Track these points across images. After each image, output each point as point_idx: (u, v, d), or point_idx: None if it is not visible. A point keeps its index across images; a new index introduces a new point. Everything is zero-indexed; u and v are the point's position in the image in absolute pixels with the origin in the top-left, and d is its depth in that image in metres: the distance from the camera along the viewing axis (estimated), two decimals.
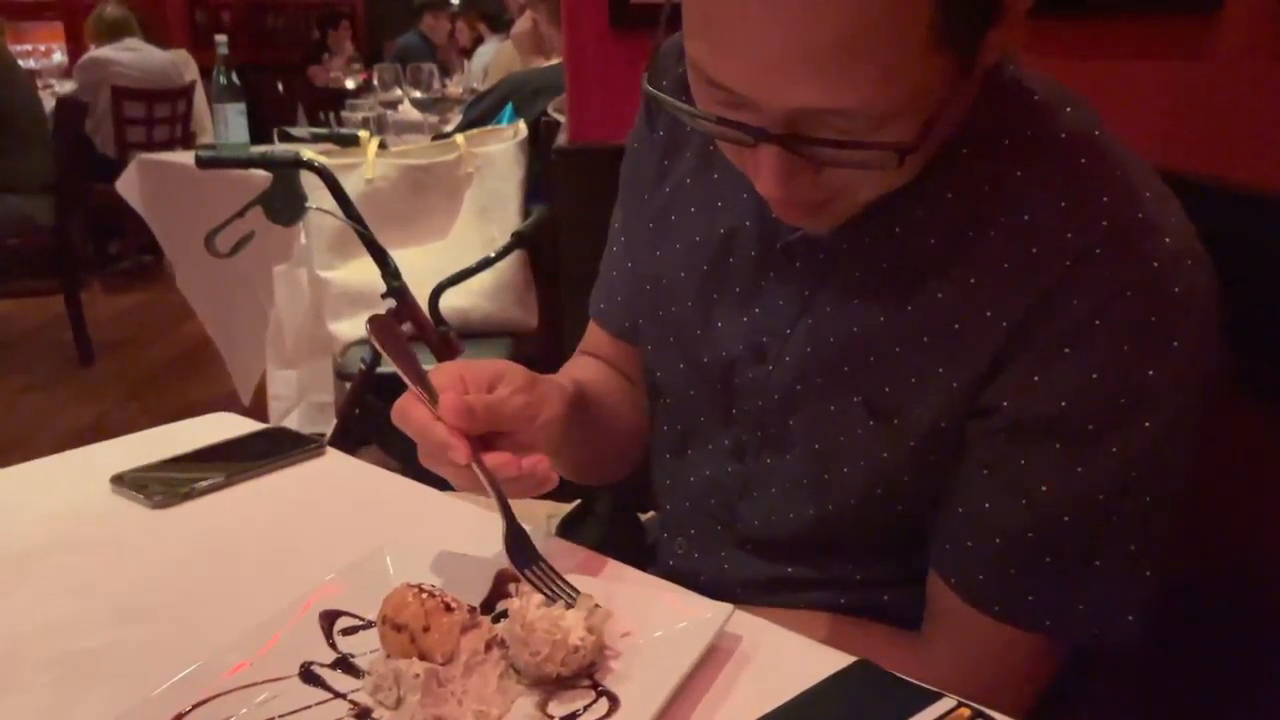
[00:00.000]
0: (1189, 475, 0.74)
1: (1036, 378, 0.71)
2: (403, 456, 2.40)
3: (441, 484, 0.95)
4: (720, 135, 0.70)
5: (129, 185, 3.23)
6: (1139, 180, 0.72)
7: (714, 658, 0.66)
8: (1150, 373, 0.69)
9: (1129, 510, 0.72)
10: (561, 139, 1.99)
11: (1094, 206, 0.70)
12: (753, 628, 0.70)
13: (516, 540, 0.72)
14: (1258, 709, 0.95)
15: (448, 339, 2.24)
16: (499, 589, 0.72)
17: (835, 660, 0.66)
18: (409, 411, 0.73)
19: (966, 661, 0.78)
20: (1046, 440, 0.72)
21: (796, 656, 0.67)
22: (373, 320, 0.76)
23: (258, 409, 2.89)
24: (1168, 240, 0.69)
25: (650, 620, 0.68)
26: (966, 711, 0.59)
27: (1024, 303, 0.71)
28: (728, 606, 0.68)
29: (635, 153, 0.97)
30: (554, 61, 2.83)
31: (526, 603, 0.63)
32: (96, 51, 5.52)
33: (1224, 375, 0.73)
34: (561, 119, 2.19)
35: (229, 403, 3.17)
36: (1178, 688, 1.03)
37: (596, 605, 0.65)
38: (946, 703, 0.60)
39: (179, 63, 5.71)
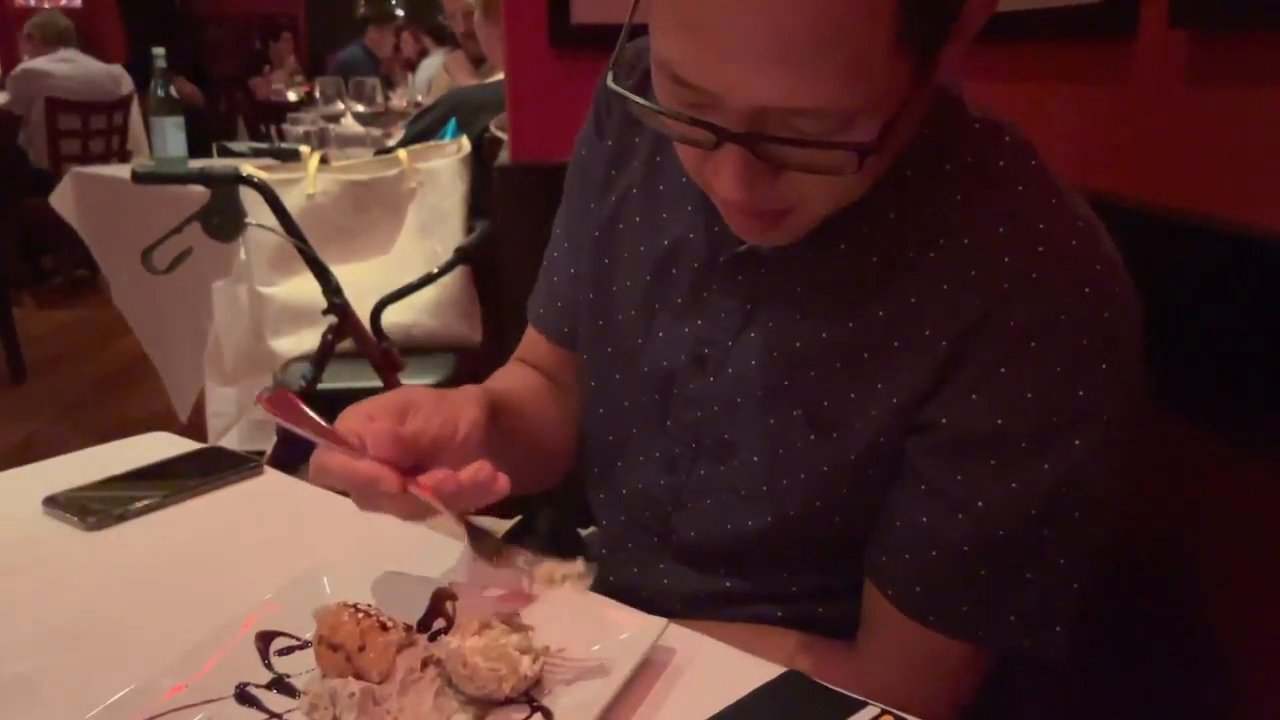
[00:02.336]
0: (1120, 492, 0.76)
1: (974, 396, 0.74)
2: None
3: None
4: (683, 135, 0.70)
5: (63, 199, 3.17)
6: (1072, 209, 0.75)
7: (648, 671, 0.68)
8: (1081, 393, 0.72)
9: (1060, 525, 0.75)
10: (503, 157, 2.00)
11: (1030, 233, 0.73)
12: (687, 641, 0.71)
13: (479, 540, 0.72)
14: (1177, 712, 0.99)
15: (390, 355, 2.24)
16: (436, 607, 0.73)
17: (767, 672, 0.67)
18: (328, 463, 0.71)
19: (899, 670, 0.80)
20: (983, 457, 0.74)
21: (729, 669, 0.69)
22: (263, 398, 0.74)
23: (196, 427, 2.85)
24: (1099, 267, 0.72)
25: (586, 635, 0.69)
26: (889, 718, 0.61)
27: (962, 323, 0.73)
28: (662, 620, 0.70)
29: (583, 159, 0.97)
30: (497, 77, 2.84)
31: (462, 643, 0.64)
32: (30, 63, 5.41)
33: (1145, 389, 0.76)
34: (503, 136, 2.20)
35: (165, 421, 3.12)
36: (1099, 693, 1.06)
37: (531, 629, 0.66)
38: (870, 710, 0.62)
39: (115, 75, 5.62)
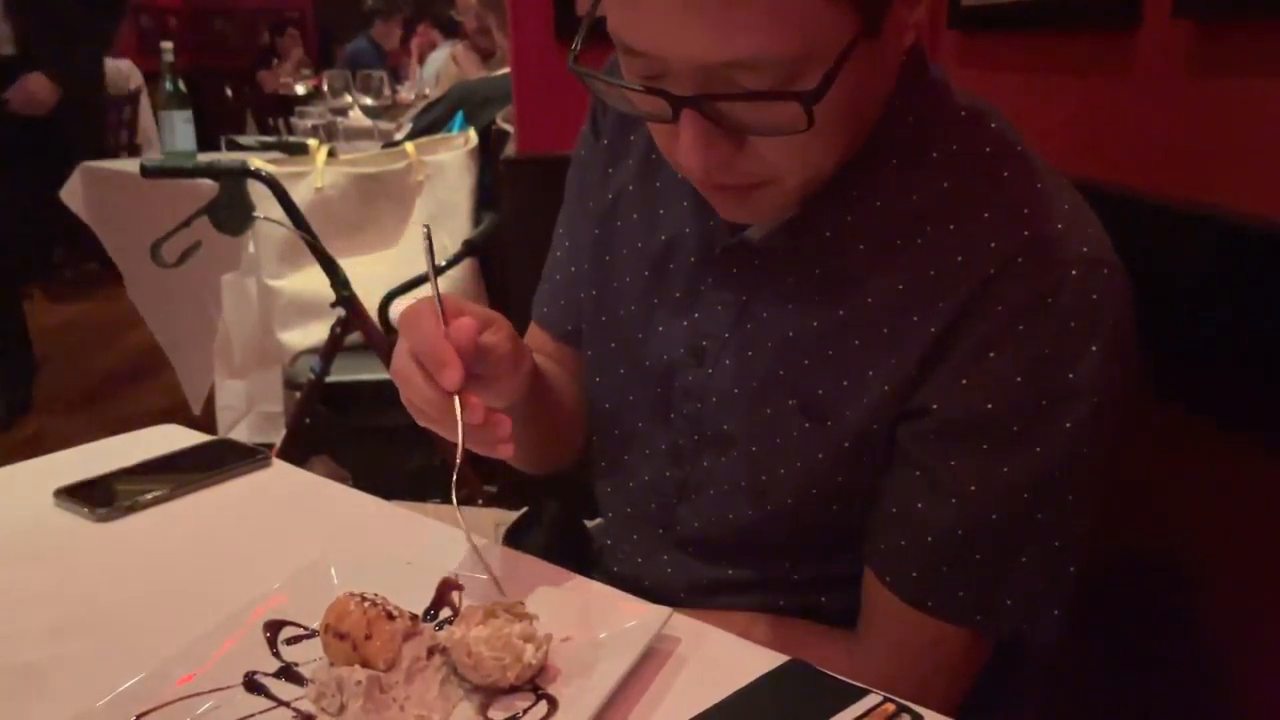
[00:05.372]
0: (1108, 474, 0.77)
1: (964, 381, 0.74)
2: (352, 466, 2.41)
3: (386, 494, 0.97)
4: (646, 112, 0.71)
5: (73, 194, 3.18)
6: (1058, 193, 0.75)
7: (652, 659, 0.68)
8: (1070, 375, 0.72)
9: (1052, 507, 0.76)
10: (510, 149, 2.01)
11: (1015, 218, 0.73)
12: (690, 630, 0.72)
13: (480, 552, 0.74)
14: (1170, 699, 0.99)
15: None
16: (441, 597, 0.73)
17: (770, 660, 0.68)
18: (421, 319, 0.72)
19: (899, 657, 0.81)
20: (974, 441, 0.75)
21: (732, 657, 0.70)
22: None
23: (206, 420, 2.86)
24: (1085, 249, 0.72)
25: (590, 624, 0.70)
26: (891, 707, 0.62)
27: (950, 309, 0.74)
28: (665, 610, 0.70)
29: (581, 160, 0.99)
30: (504, 70, 2.84)
31: (466, 632, 0.65)
32: None
33: (1139, 377, 0.76)
34: (510, 129, 2.20)
35: (175, 413, 3.14)
36: (1095, 680, 1.07)
37: (535, 618, 0.67)
38: (873, 698, 0.62)
39: (124, 69, 5.63)
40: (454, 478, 0.71)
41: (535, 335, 1.05)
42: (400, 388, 0.75)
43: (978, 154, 0.76)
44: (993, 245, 0.73)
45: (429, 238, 0.76)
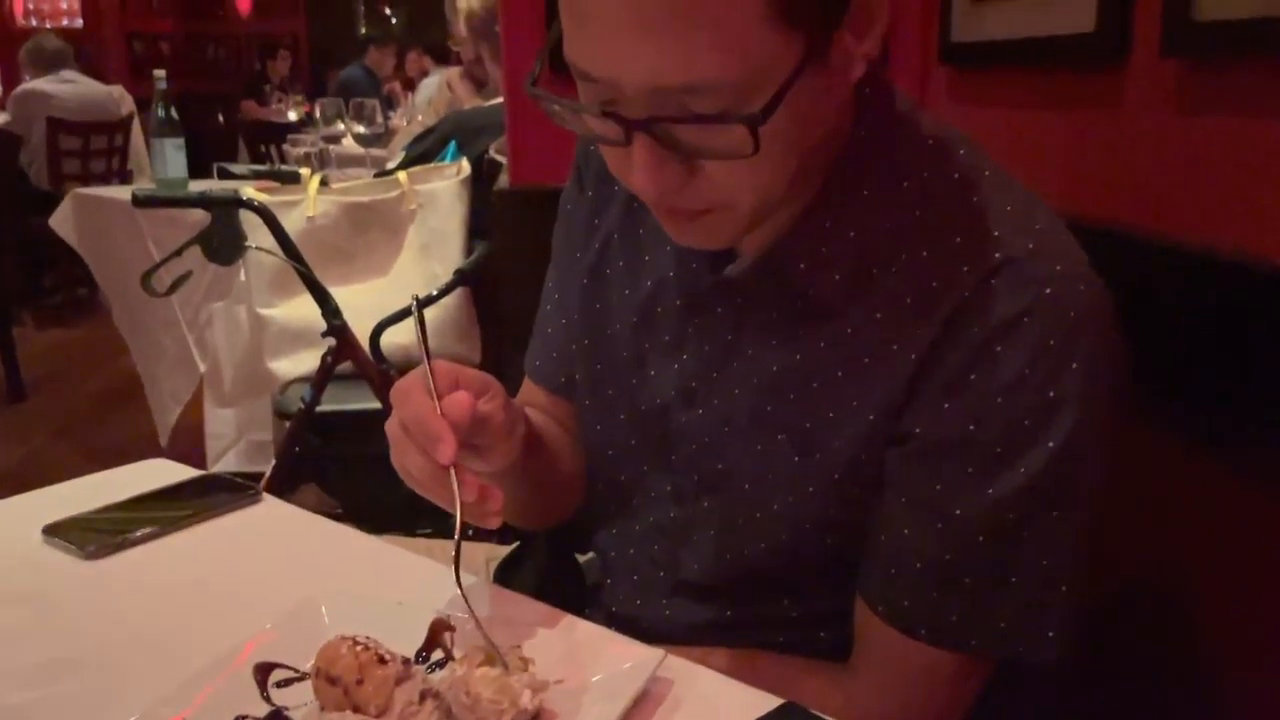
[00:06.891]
0: (1101, 491, 0.76)
1: (945, 405, 0.75)
2: (342, 495, 2.40)
3: (376, 523, 0.96)
4: (600, 136, 0.72)
5: (63, 221, 3.17)
6: (1029, 212, 0.76)
7: (645, 702, 0.68)
8: (1051, 393, 0.72)
9: (1039, 526, 0.75)
10: (503, 181, 2.01)
11: (987, 241, 0.74)
12: (684, 671, 0.71)
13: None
14: None
15: (389, 377, 2.25)
16: (434, 637, 0.73)
17: (763, 703, 0.67)
18: (412, 394, 0.73)
19: (893, 688, 0.80)
20: (957, 463, 0.75)
21: (725, 700, 0.69)
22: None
23: (186, 450, 2.84)
24: (1059, 267, 0.73)
25: (583, 666, 0.70)
26: None
27: (928, 335, 0.75)
28: (659, 651, 0.70)
29: (567, 214, 1.01)
30: (497, 100, 2.85)
31: (468, 671, 0.64)
32: (31, 83, 5.44)
33: (1128, 409, 0.76)
34: (502, 160, 2.21)
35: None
36: (1088, 704, 1.06)
37: (530, 661, 0.66)
38: None
39: (116, 95, 5.64)
40: (455, 553, 0.71)
41: (529, 391, 1.06)
42: (393, 455, 0.75)
43: (947, 180, 0.78)
44: (965, 269, 0.74)
45: (419, 308, 0.78)
